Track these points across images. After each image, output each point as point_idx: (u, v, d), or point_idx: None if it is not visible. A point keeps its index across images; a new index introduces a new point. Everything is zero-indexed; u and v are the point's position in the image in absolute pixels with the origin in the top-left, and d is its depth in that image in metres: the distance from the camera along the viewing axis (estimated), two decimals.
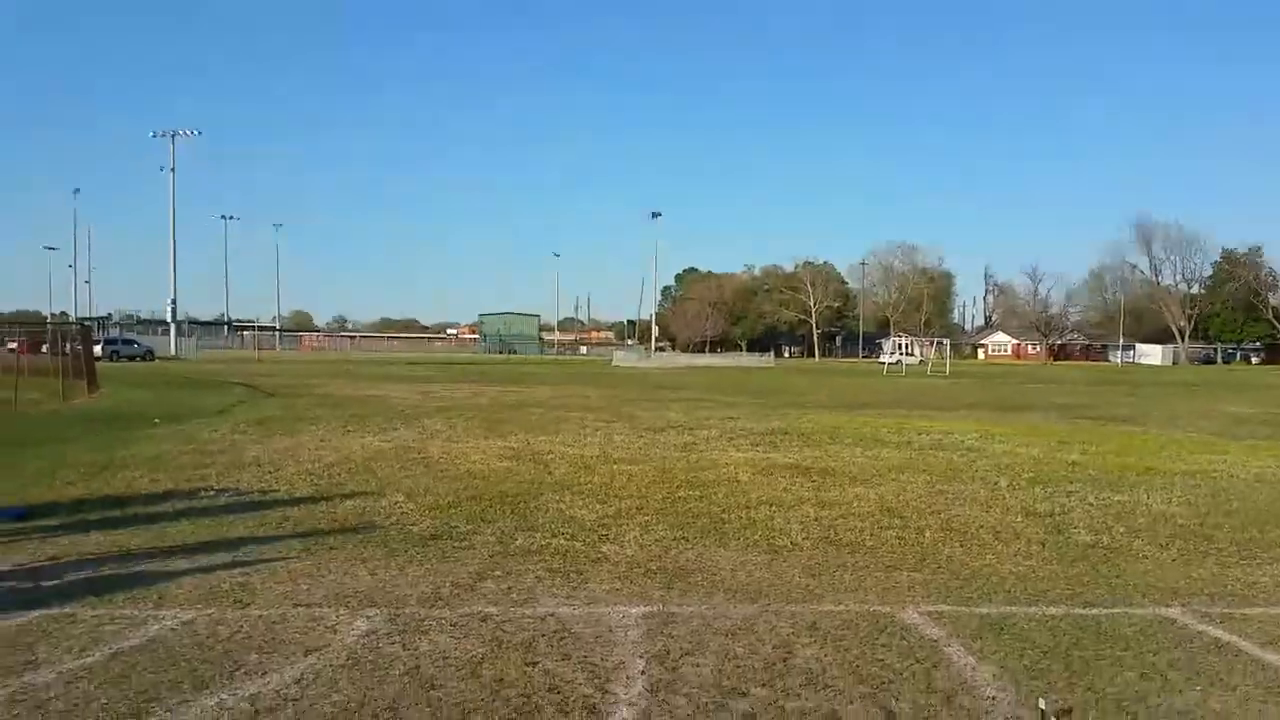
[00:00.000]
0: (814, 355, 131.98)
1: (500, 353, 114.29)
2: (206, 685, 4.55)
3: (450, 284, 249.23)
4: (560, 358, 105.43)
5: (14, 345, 34.21)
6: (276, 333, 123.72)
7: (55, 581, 6.38)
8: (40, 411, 20.23)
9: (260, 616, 5.67)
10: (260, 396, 26.26)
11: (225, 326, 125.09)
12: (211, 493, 10.03)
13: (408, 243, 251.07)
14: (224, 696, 4.41)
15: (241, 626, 5.47)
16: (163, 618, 5.60)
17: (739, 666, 4.95)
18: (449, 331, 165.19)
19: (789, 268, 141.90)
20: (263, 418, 18.98)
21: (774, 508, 9.44)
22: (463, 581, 6.59)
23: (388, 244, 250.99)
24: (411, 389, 30.60)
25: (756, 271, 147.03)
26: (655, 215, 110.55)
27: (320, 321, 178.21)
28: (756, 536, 8.16)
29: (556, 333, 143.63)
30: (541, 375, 47.05)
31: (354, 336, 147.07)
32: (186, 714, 4.20)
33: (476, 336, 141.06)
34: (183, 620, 5.56)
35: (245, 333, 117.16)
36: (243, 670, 4.77)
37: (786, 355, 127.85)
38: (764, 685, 4.69)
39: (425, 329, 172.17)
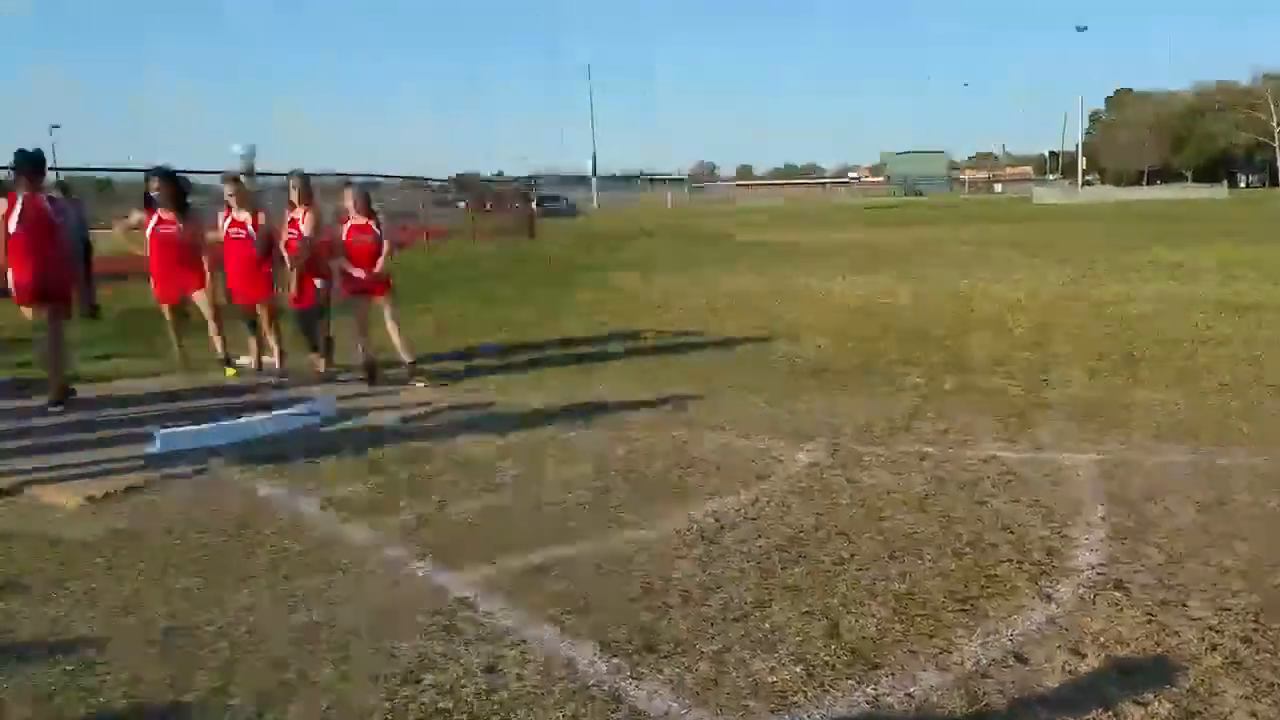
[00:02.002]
0: (1278, 184, 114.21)
1: (906, 194, 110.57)
2: (673, 503, 5.01)
3: (851, 125, 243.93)
4: (972, 197, 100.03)
5: (464, 204, 38.67)
6: (685, 184, 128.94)
7: (528, 409, 7.29)
8: (492, 261, 22.79)
9: (713, 443, 6.11)
10: (667, 243, 27.64)
11: (637, 179, 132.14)
12: (651, 334, 10.88)
13: (809, 86, 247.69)
14: (691, 511, 4.84)
15: (697, 451, 5.94)
16: (627, 439, 6.21)
17: (1212, 517, 4.59)
18: (850, 175, 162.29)
19: (1245, 82, 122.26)
20: (675, 263, 20.07)
21: (1238, 347, 8.52)
22: (896, 420, 6.66)
23: (790, 89, 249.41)
24: (818, 233, 30.68)
25: (1207, 88, 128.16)
26: (1080, 29, 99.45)
27: (724, 171, 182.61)
28: (1217, 382, 7.42)
29: (966, 170, 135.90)
30: (951, 216, 45.09)
31: (754, 185, 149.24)
32: (666, 522, 4.68)
33: (879, 179, 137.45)
34: (643, 443, 6.14)
35: (655, 184, 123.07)
36: (703, 490, 5.20)
37: (1242, 185, 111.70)
38: (1247, 539, 4.31)
39: (824, 175, 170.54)
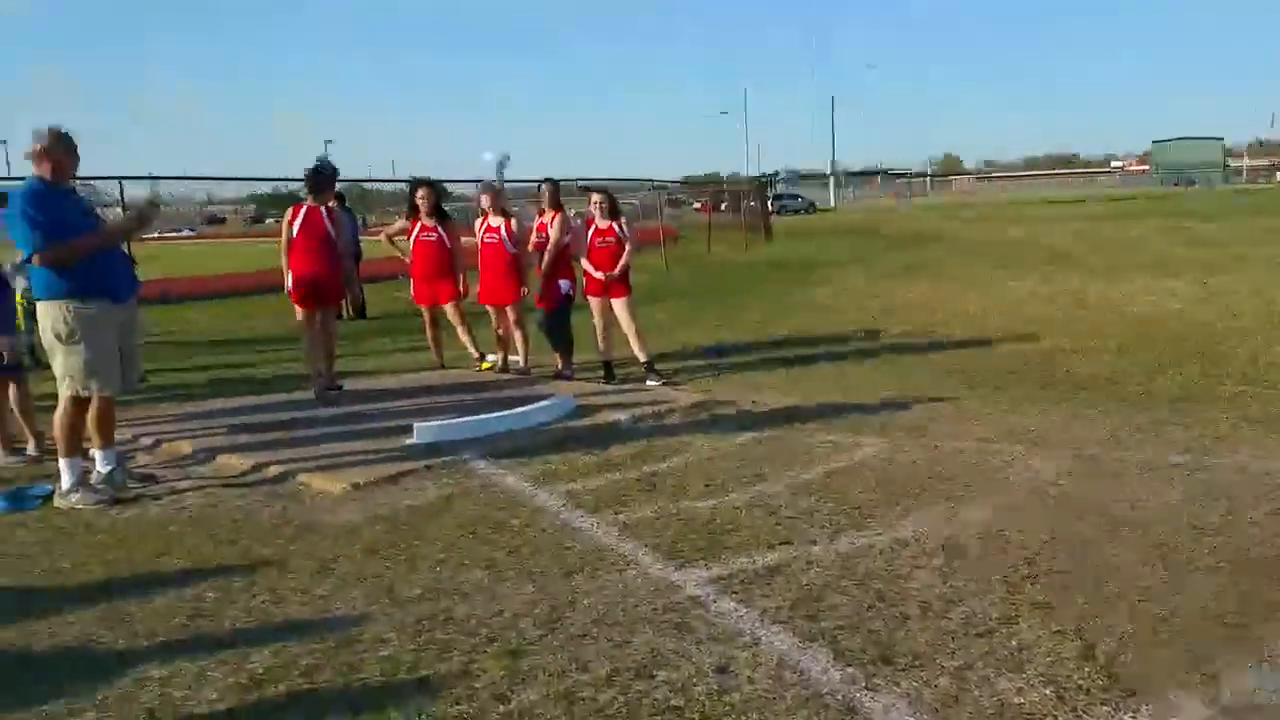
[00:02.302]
0: None
1: (1175, 185, 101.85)
2: (910, 511, 4.85)
3: (1115, 110, 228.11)
4: (1251, 186, 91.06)
5: (699, 205, 39.10)
6: (926, 179, 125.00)
7: (762, 410, 7.25)
8: (727, 262, 22.91)
9: (952, 451, 5.86)
10: (908, 242, 26.80)
11: (878, 176, 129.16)
12: (892, 336, 10.64)
13: (1056, 68, 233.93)
14: (931, 519, 4.65)
15: (935, 458, 5.72)
16: (862, 444, 6.06)
17: None
18: (1114, 165, 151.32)
19: None
20: (906, 265, 19.45)
21: None
22: (1144, 427, 6.21)
23: (1037, 74, 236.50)
24: (1057, 229, 28.91)
25: None
26: None
27: (969, 164, 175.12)
28: None
29: (1246, 158, 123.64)
30: (1215, 211, 41.30)
31: (1003, 177, 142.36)
32: (903, 530, 4.53)
33: (1146, 168, 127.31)
34: (880, 448, 5.97)
35: (896, 181, 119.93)
36: (945, 497, 4.99)
37: None
38: None
39: (1084, 164, 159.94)
